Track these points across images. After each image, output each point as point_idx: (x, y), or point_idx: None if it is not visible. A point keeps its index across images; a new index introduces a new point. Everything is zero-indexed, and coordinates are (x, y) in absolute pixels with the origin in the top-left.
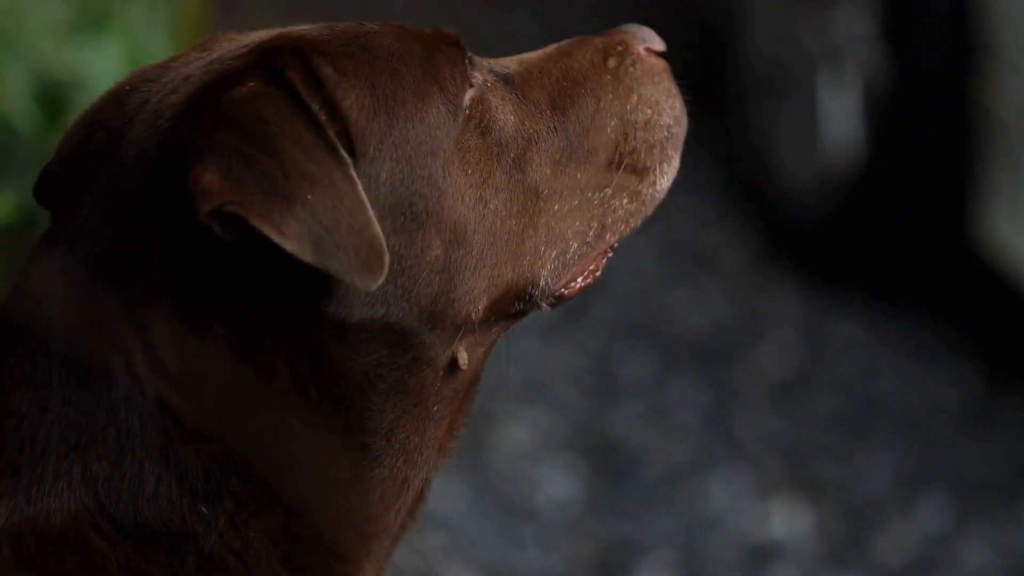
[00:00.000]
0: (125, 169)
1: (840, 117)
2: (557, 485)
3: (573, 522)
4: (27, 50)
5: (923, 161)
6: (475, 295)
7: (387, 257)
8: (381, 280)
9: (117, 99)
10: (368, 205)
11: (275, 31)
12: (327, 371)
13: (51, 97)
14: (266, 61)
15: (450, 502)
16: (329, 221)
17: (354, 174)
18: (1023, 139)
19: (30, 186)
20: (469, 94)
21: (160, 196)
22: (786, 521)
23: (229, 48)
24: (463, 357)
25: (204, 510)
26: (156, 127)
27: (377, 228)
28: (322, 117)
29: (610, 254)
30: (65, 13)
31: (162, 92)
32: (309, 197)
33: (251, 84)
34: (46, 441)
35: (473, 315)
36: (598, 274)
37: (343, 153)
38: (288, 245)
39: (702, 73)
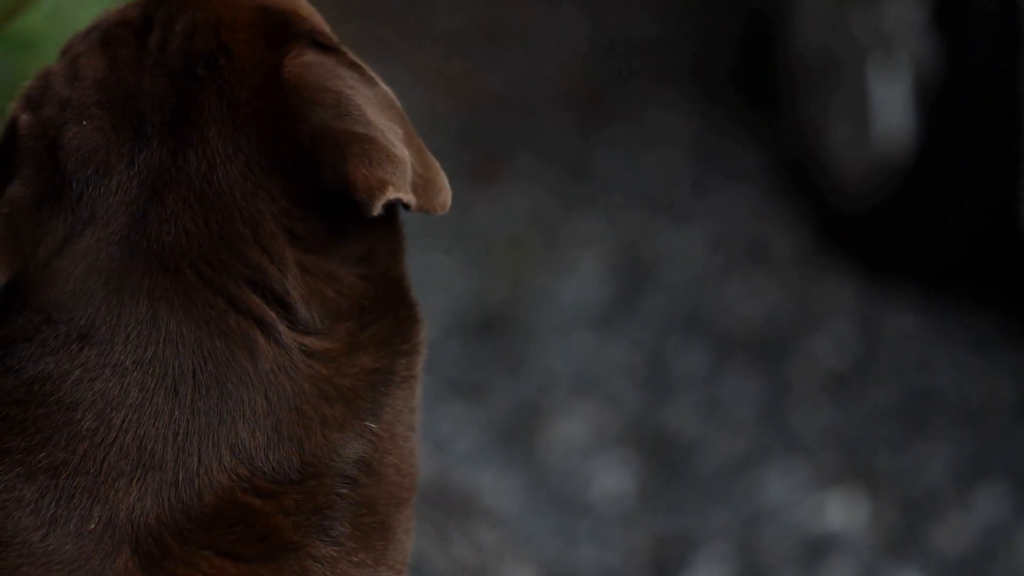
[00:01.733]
0: (204, 170)
1: (891, 106)
2: (611, 479)
3: (628, 516)
4: None
5: (975, 149)
6: None
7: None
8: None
9: (102, 68)
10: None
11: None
12: (399, 258)
13: None
14: (280, 24)
15: (504, 497)
16: (419, 167)
17: (399, 103)
18: None
19: None
20: None
21: (269, 185)
22: (843, 513)
23: (187, 23)
24: None
25: (372, 425)
26: (233, 125)
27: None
28: (356, 61)
29: None
30: None
31: (167, 97)
32: (406, 153)
33: (296, 59)
34: (188, 431)
35: None
36: None
37: (390, 91)
38: (414, 206)
39: (751, 63)
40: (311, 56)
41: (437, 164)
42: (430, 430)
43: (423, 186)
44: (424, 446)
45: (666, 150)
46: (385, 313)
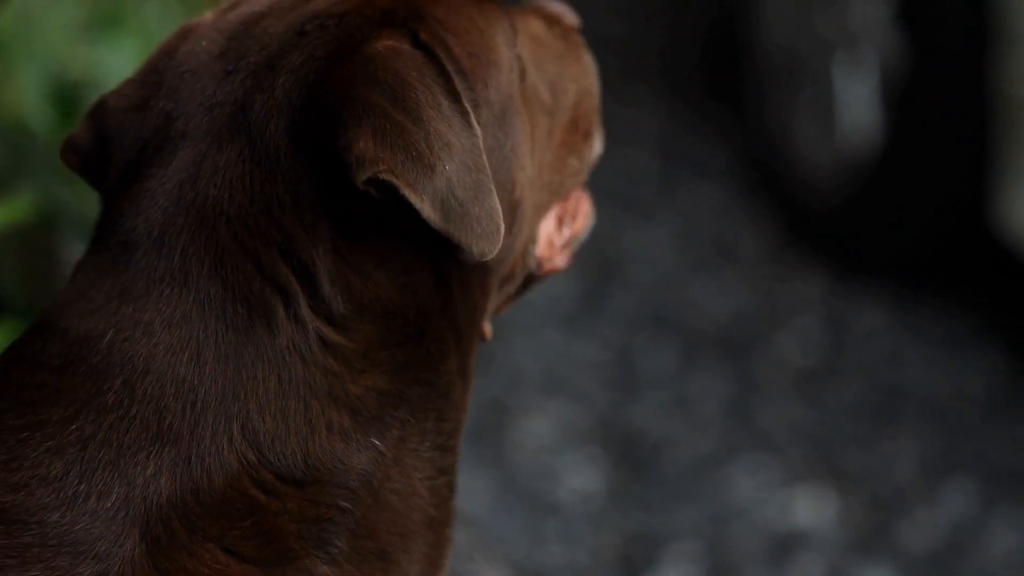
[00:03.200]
0: (261, 119)
1: (857, 103)
2: (580, 478)
3: (596, 515)
4: (41, 51)
5: (942, 146)
6: (519, 249)
7: (503, 227)
8: (496, 250)
9: (195, 51)
10: (491, 176)
11: None
12: (462, 297)
13: (65, 97)
14: (393, 16)
15: (473, 497)
16: (461, 193)
17: (481, 144)
18: None
19: (45, 186)
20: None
21: (310, 149)
22: (811, 510)
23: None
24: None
25: (376, 442)
26: (297, 78)
27: (496, 200)
28: (456, 81)
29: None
30: (79, 13)
31: (273, 42)
32: (447, 168)
33: (388, 42)
34: (205, 402)
35: (514, 270)
36: (567, 257)
37: (475, 123)
38: (425, 212)
39: (718, 61)
40: (407, 49)
41: (495, 213)
42: None
43: (459, 214)
44: None
45: (633, 148)
46: (411, 339)
